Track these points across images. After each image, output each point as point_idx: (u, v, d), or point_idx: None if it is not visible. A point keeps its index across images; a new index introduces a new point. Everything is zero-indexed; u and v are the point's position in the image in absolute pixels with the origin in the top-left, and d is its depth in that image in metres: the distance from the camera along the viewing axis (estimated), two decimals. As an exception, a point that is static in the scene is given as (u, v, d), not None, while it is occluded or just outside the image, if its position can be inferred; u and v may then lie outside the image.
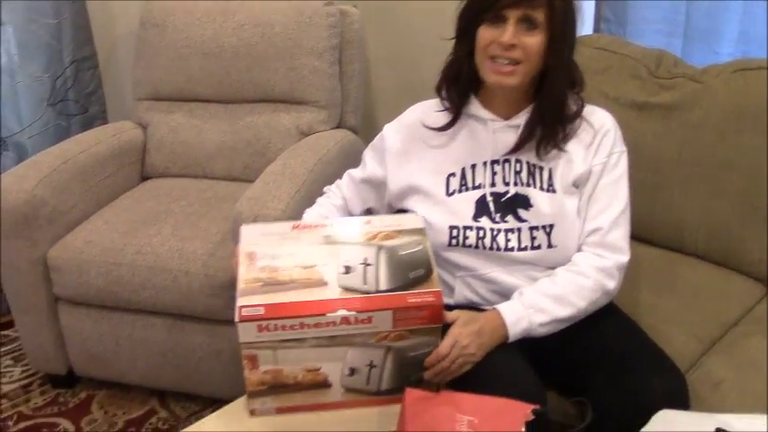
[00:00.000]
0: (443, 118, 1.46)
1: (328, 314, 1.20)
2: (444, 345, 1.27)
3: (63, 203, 2.01)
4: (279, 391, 1.31)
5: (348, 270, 1.25)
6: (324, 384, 1.31)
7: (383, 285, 1.23)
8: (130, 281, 1.90)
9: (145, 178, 2.37)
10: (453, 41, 1.42)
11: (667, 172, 1.78)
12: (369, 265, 1.25)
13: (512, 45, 1.30)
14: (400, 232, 1.31)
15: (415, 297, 1.22)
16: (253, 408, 1.34)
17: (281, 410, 1.34)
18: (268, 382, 1.30)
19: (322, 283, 1.24)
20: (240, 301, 1.21)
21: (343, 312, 1.20)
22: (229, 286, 1.81)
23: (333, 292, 1.22)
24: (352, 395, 1.33)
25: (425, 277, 1.25)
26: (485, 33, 1.33)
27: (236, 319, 1.19)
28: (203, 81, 2.30)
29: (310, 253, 1.28)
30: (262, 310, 1.19)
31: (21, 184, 1.91)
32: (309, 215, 1.55)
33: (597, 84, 1.87)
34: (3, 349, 2.34)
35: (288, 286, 1.23)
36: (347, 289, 1.23)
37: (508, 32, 1.30)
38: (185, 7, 2.29)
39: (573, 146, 1.42)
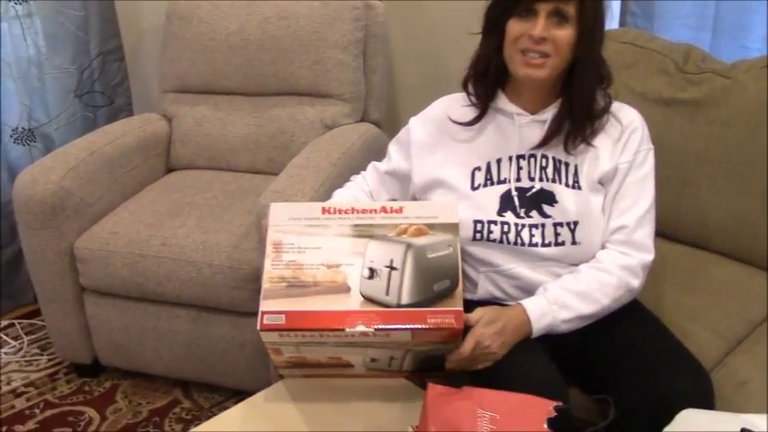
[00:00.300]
0: (470, 112, 1.45)
1: (347, 329, 1.20)
2: (466, 346, 1.26)
3: (89, 195, 2.03)
4: (304, 366, 1.34)
5: (372, 274, 1.24)
6: (347, 365, 1.33)
7: (405, 299, 1.22)
8: (155, 272, 1.92)
9: (170, 170, 2.39)
10: (480, 37, 1.42)
11: (694, 168, 1.76)
12: (394, 269, 1.24)
13: (542, 38, 1.30)
14: (432, 227, 1.30)
15: (435, 317, 1.20)
16: (281, 373, 1.38)
17: (308, 376, 1.38)
18: (293, 362, 1.32)
19: (345, 289, 1.23)
20: (263, 306, 1.22)
21: (361, 329, 1.20)
22: (253, 279, 1.83)
23: (354, 302, 1.22)
24: (375, 371, 1.36)
25: (450, 291, 1.24)
26: (515, 27, 1.33)
27: (258, 326, 1.20)
28: (228, 74, 2.31)
29: (337, 247, 1.28)
30: (283, 319, 1.20)
31: (48, 176, 1.93)
32: (340, 196, 1.56)
33: (624, 79, 1.85)
34: (30, 338, 2.37)
35: (311, 289, 1.23)
36: (369, 299, 1.23)
37: (539, 25, 1.29)
38: (211, 0, 2.30)
39: (600, 141, 1.41)
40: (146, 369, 2.11)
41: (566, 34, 1.31)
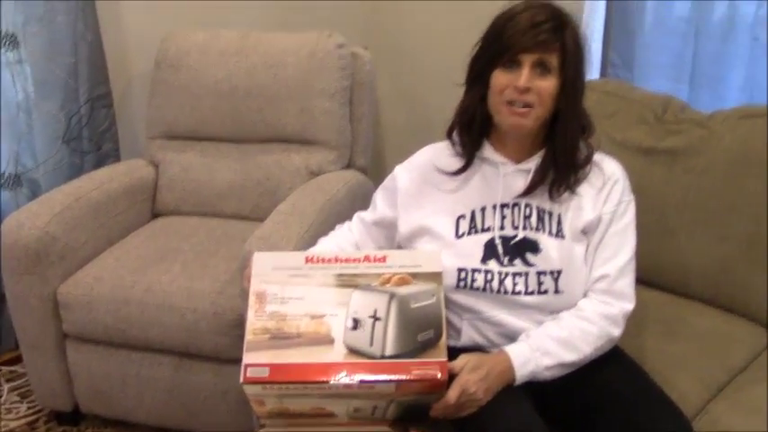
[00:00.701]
0: (456, 162, 1.47)
1: (331, 381, 1.19)
2: (452, 394, 1.26)
3: (74, 240, 2.03)
4: (287, 416, 1.33)
5: (356, 325, 1.24)
6: (329, 415, 1.32)
7: (389, 350, 1.22)
8: (139, 318, 1.91)
9: (156, 216, 2.39)
10: (464, 87, 1.44)
11: (673, 216, 1.79)
12: (378, 319, 1.24)
13: (527, 88, 1.32)
14: (416, 275, 1.30)
15: (419, 368, 1.20)
16: (264, 423, 1.36)
17: (290, 425, 1.36)
18: (275, 413, 1.31)
19: (329, 340, 1.23)
20: (246, 358, 1.21)
21: (345, 381, 1.19)
22: (237, 325, 1.82)
23: (338, 354, 1.22)
24: (358, 420, 1.34)
25: (434, 341, 1.24)
26: (500, 78, 1.35)
27: (241, 380, 1.20)
28: (216, 121, 2.33)
29: (321, 298, 1.28)
30: (266, 372, 1.20)
31: (34, 221, 1.93)
32: (324, 244, 1.56)
33: (605, 128, 1.88)
34: (10, 385, 2.34)
35: (295, 341, 1.23)
36: (353, 350, 1.22)
37: (524, 76, 1.32)
38: (200, 48, 2.33)
39: (584, 189, 1.43)
40: (127, 417, 2.09)
41: (549, 85, 1.34)
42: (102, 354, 2.00)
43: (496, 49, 1.35)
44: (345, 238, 1.58)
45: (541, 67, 1.33)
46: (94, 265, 2.04)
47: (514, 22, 1.34)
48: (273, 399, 1.25)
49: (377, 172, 2.40)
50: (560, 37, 1.33)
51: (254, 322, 1.25)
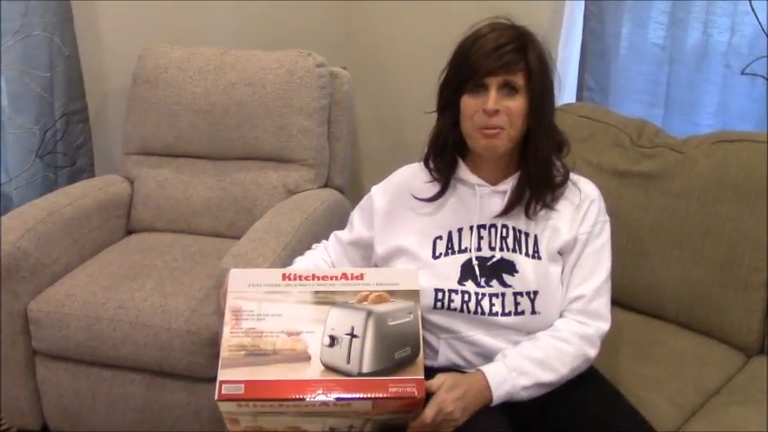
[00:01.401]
0: (431, 187, 1.48)
1: (307, 398, 1.18)
2: (428, 413, 1.25)
3: (46, 256, 2.00)
4: None
5: (333, 342, 1.24)
6: None
7: (366, 367, 1.21)
8: (111, 336, 1.88)
9: (130, 232, 2.37)
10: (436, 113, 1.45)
11: (648, 239, 1.80)
12: (355, 336, 1.24)
13: (495, 111, 1.33)
14: (393, 293, 1.30)
15: (396, 386, 1.20)
16: None
17: None
18: (250, 431, 1.29)
19: (305, 357, 1.22)
20: (221, 375, 1.20)
21: (321, 398, 1.18)
22: (211, 343, 1.80)
23: (314, 371, 1.21)
24: None
25: (410, 359, 1.23)
26: (468, 103, 1.36)
27: (216, 396, 1.18)
28: (192, 137, 2.32)
29: (297, 315, 1.27)
30: (242, 389, 1.18)
31: (5, 236, 1.90)
32: (300, 263, 1.55)
33: (580, 151, 1.90)
34: (-24, 403, 2.29)
35: (271, 358, 1.22)
36: (329, 367, 1.22)
37: (491, 99, 1.33)
38: (178, 65, 2.33)
39: (562, 206, 1.44)
40: (97, 436, 2.05)
41: (517, 105, 1.35)
42: (73, 371, 1.97)
43: (462, 74, 1.37)
44: (321, 258, 1.57)
45: (508, 88, 1.35)
46: (66, 282, 2.01)
47: (478, 46, 1.35)
48: (248, 417, 1.23)
49: (354, 191, 2.40)
50: (524, 57, 1.35)
51: (229, 339, 1.24)
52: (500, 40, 1.34)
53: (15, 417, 2.07)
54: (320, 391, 1.18)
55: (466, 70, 1.36)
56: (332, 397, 1.18)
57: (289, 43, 2.37)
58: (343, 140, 2.37)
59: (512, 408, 1.34)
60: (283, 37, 2.57)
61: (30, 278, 1.95)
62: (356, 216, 1.56)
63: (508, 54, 1.33)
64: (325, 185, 2.34)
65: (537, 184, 1.42)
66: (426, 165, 1.49)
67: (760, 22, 1.89)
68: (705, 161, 1.77)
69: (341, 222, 1.62)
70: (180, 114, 2.30)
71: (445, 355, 1.43)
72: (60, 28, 2.34)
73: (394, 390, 1.19)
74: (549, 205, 1.43)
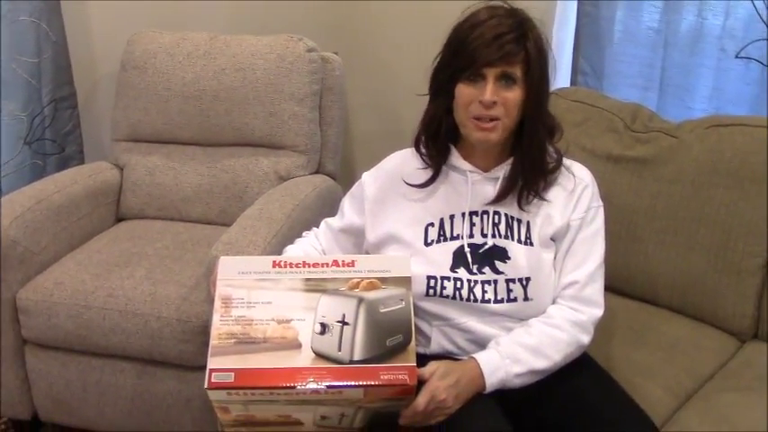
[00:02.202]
0: (423, 173, 1.46)
1: (298, 386, 1.17)
2: (420, 401, 1.24)
3: (35, 244, 1.98)
4: (252, 425, 1.30)
5: (324, 329, 1.22)
6: (296, 423, 1.30)
7: (357, 355, 1.20)
8: (100, 324, 1.87)
9: (120, 220, 2.35)
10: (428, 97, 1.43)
11: (642, 225, 1.79)
12: (346, 324, 1.23)
13: (493, 102, 1.31)
14: (385, 280, 1.29)
15: (388, 372, 1.19)
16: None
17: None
18: (241, 421, 1.28)
19: (296, 345, 1.21)
20: (211, 363, 1.18)
21: (312, 386, 1.17)
22: (201, 332, 1.79)
23: (305, 359, 1.20)
24: (325, 429, 1.33)
25: (402, 346, 1.22)
26: (464, 91, 1.34)
27: (206, 385, 1.17)
28: (182, 124, 2.30)
29: (288, 302, 1.25)
30: (231, 377, 1.17)
31: (-8, 224, 1.88)
32: (291, 252, 1.54)
33: (574, 136, 1.89)
34: (-34, 392, 2.28)
35: (261, 346, 1.21)
36: (320, 355, 1.20)
37: (489, 90, 1.31)
38: (167, 50, 2.30)
39: (554, 194, 1.42)
40: (88, 425, 2.03)
41: (514, 96, 1.32)
42: (63, 360, 1.95)
43: (459, 62, 1.33)
44: (312, 246, 1.56)
45: (506, 79, 1.32)
46: (55, 270, 1.99)
47: (477, 34, 1.31)
48: (238, 405, 1.22)
49: (346, 178, 2.38)
50: (523, 47, 1.31)
51: (219, 327, 1.22)
52: (499, 28, 1.30)
53: (5, 406, 2.06)
54: (311, 379, 1.17)
55: (463, 59, 1.32)
56: (323, 385, 1.17)
57: (279, 28, 2.35)
58: (335, 126, 2.35)
59: (504, 395, 1.33)
60: (274, 22, 2.55)
61: (18, 266, 1.93)
62: (347, 203, 1.54)
63: (508, 44, 1.29)
64: (317, 172, 2.32)
65: (530, 171, 1.40)
66: (417, 149, 1.47)
67: (755, 5, 1.88)
68: (699, 146, 1.76)
69: (333, 209, 1.61)
70: (169, 100, 2.28)
71: (438, 342, 1.42)
72: (47, 13, 2.32)
73: (386, 377, 1.18)
74: (541, 194, 1.41)
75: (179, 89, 2.27)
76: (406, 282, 1.29)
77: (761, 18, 1.88)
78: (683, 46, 2.04)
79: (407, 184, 1.46)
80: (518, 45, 1.31)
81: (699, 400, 1.52)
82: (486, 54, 1.29)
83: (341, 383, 1.18)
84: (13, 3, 2.22)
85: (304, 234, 1.62)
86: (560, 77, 2.30)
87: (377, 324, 1.23)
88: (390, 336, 1.23)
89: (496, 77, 1.31)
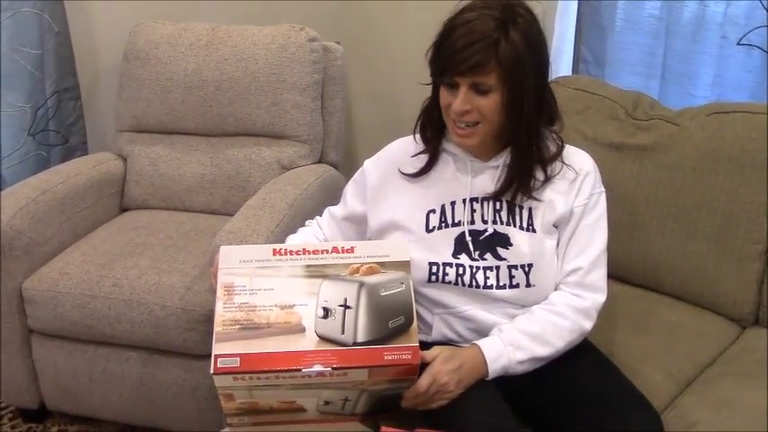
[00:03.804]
0: (421, 162, 1.46)
1: (303, 369, 1.18)
2: (422, 382, 1.26)
3: (40, 235, 1.99)
4: (255, 413, 1.31)
5: (327, 314, 1.24)
6: (299, 409, 1.31)
7: (361, 337, 1.22)
8: (106, 314, 1.88)
9: (124, 210, 2.36)
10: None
11: (644, 212, 1.80)
12: (348, 307, 1.24)
13: (465, 111, 1.31)
14: (384, 265, 1.30)
15: (391, 353, 1.20)
16: (231, 422, 1.33)
17: (257, 424, 1.34)
18: (244, 409, 1.29)
19: (299, 329, 1.22)
20: (216, 349, 1.20)
21: (318, 368, 1.19)
22: (206, 320, 1.80)
23: (309, 342, 1.21)
24: (328, 416, 1.34)
25: (405, 327, 1.24)
26: (443, 94, 1.35)
27: (212, 370, 1.18)
28: (185, 114, 2.30)
29: (290, 288, 1.27)
30: (237, 362, 1.18)
31: (-3, 215, 1.89)
32: (293, 241, 1.55)
33: (576, 124, 1.89)
34: (-27, 382, 2.29)
35: (265, 331, 1.22)
36: (324, 338, 1.22)
37: (459, 100, 1.30)
38: (169, 41, 2.30)
39: (555, 184, 1.42)
40: (94, 414, 2.05)
41: (489, 102, 1.30)
42: (69, 350, 1.97)
43: (436, 68, 1.34)
44: (314, 236, 1.57)
45: (477, 88, 1.30)
46: (60, 260, 2.00)
47: (452, 39, 1.28)
48: (243, 392, 1.23)
49: (349, 167, 2.38)
50: (493, 56, 1.27)
51: (222, 314, 1.24)
52: (472, 36, 1.27)
53: (13, 396, 2.08)
54: (316, 362, 1.19)
55: (438, 65, 1.32)
56: (328, 367, 1.18)
57: (281, 18, 2.35)
58: (337, 116, 2.35)
59: (506, 381, 1.34)
60: (276, 12, 2.55)
61: (24, 257, 1.94)
62: (349, 191, 1.55)
63: (476, 54, 1.26)
64: (320, 161, 2.33)
65: (528, 161, 1.39)
66: (415, 133, 1.47)
67: (756, -8, 1.88)
68: (700, 133, 1.76)
69: (335, 198, 1.61)
70: (172, 91, 2.28)
71: (439, 330, 1.43)
72: (50, 4, 2.32)
73: (389, 357, 1.20)
74: (543, 182, 1.40)
75: (181, 80, 2.27)
76: (405, 266, 1.30)
77: (762, 5, 1.88)
78: (685, 33, 2.04)
79: (403, 173, 1.47)
80: (488, 54, 1.27)
81: (699, 385, 1.53)
82: (455, 65, 1.29)
83: (345, 365, 1.19)
84: (16, -6, 2.23)
85: (307, 223, 1.63)
86: (562, 66, 2.31)
87: (378, 307, 1.25)
88: (392, 318, 1.24)
89: (468, 87, 1.30)
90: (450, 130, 1.37)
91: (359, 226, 1.53)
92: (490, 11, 1.29)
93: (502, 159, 1.42)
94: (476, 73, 1.28)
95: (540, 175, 1.41)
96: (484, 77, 1.29)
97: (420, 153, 1.47)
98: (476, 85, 1.30)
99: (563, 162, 1.43)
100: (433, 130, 1.44)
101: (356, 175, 1.54)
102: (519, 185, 1.40)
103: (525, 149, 1.38)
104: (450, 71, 1.30)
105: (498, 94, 1.30)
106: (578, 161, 1.45)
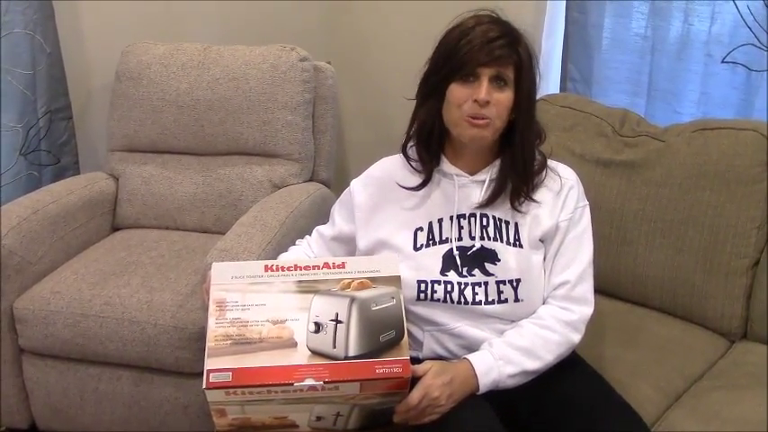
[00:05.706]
0: (414, 177, 1.48)
1: (295, 383, 1.19)
2: (414, 396, 1.27)
3: (32, 254, 1.99)
4: (247, 429, 1.31)
5: (318, 328, 1.24)
6: (291, 425, 1.31)
7: (352, 351, 1.22)
8: (97, 333, 1.88)
9: (116, 229, 2.36)
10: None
11: (632, 228, 1.82)
12: (339, 322, 1.25)
13: (486, 101, 1.33)
14: (375, 280, 1.31)
15: (383, 366, 1.21)
16: None
17: None
18: (236, 425, 1.30)
19: (291, 344, 1.23)
20: (209, 364, 1.20)
21: (310, 382, 1.19)
22: (198, 338, 1.80)
23: (301, 356, 1.22)
24: (320, 431, 1.34)
25: (396, 341, 1.25)
26: (457, 91, 1.36)
27: (204, 385, 1.18)
28: (177, 133, 2.32)
29: (282, 304, 1.27)
30: (229, 377, 1.19)
31: (-11, 234, 1.90)
32: (284, 258, 1.56)
33: (564, 141, 1.91)
34: (-36, 402, 2.28)
35: (257, 346, 1.22)
36: (316, 353, 1.22)
37: (483, 89, 1.33)
38: (161, 61, 2.32)
39: (542, 195, 1.44)
40: (85, 433, 2.05)
41: (505, 97, 1.35)
42: (60, 369, 1.97)
43: (453, 64, 1.36)
44: (305, 254, 1.58)
45: (498, 80, 1.35)
46: (52, 279, 2.00)
47: (470, 38, 1.34)
48: (235, 407, 1.24)
49: (340, 185, 2.39)
50: (515, 51, 1.35)
51: (215, 329, 1.24)
52: (490, 33, 1.34)
53: (4, 415, 2.07)
54: (308, 376, 1.19)
55: (457, 61, 1.35)
56: (320, 381, 1.19)
57: (272, 38, 2.37)
58: (329, 134, 2.37)
59: (498, 394, 1.35)
60: (267, 32, 2.57)
61: (15, 276, 1.95)
62: (336, 211, 1.56)
63: (500, 48, 1.33)
64: (311, 179, 2.34)
65: (519, 173, 1.42)
66: (404, 153, 1.49)
67: (739, 11, 1.91)
68: (686, 149, 1.78)
69: (327, 216, 1.62)
70: (164, 110, 2.30)
71: (430, 347, 1.44)
72: (42, 25, 2.33)
73: (381, 371, 1.21)
74: (529, 195, 1.43)
75: (173, 99, 2.29)
76: (395, 281, 1.31)
77: (746, 23, 1.91)
78: (671, 52, 2.06)
79: (402, 187, 1.48)
80: (510, 49, 1.35)
81: (689, 399, 1.54)
82: (481, 55, 1.33)
83: (337, 379, 1.19)
84: (7, 15, 2.24)
85: (297, 242, 1.64)
86: (550, 84, 2.33)
87: (369, 321, 1.25)
88: (383, 332, 1.25)
89: (490, 78, 1.34)
90: (464, 126, 1.37)
91: (348, 245, 1.54)
92: (495, 23, 1.38)
93: (488, 174, 1.43)
94: (501, 63, 1.34)
95: (525, 188, 1.43)
96: (505, 70, 1.35)
97: (412, 173, 1.48)
98: (496, 78, 1.34)
99: (548, 168, 1.46)
100: (429, 150, 1.45)
101: (343, 195, 1.56)
102: (506, 198, 1.42)
103: (516, 156, 1.40)
104: (472, 63, 1.33)
105: (511, 92, 1.36)
106: (562, 173, 1.48)
